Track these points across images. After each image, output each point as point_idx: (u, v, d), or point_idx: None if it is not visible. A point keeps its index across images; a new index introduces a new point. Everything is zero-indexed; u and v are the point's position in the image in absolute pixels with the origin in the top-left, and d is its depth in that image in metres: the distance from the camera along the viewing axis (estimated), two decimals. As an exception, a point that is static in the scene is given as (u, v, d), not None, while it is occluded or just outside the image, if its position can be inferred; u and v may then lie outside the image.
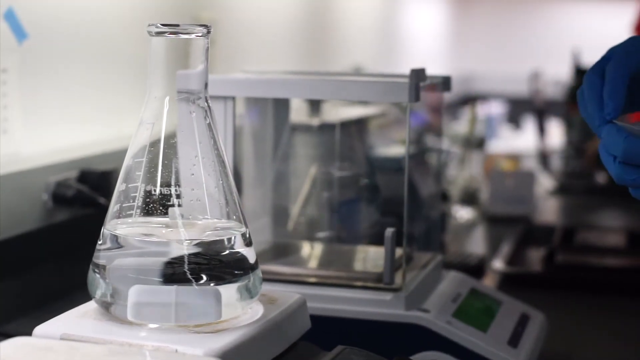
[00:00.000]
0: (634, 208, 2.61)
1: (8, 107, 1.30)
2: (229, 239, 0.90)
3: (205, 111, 0.91)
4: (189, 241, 0.88)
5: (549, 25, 5.04)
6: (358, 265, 1.33)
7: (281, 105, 1.35)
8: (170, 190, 0.89)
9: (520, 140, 3.64)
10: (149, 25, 0.89)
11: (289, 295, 0.99)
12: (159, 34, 0.89)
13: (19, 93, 1.32)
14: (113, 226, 0.90)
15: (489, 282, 1.66)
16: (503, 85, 4.75)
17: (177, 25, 0.89)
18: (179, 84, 0.90)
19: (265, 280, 0.95)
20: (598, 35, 4.62)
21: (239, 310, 0.90)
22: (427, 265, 1.26)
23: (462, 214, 2.27)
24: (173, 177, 0.89)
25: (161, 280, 0.86)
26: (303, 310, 0.99)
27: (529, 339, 1.20)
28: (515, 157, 2.89)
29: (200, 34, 0.89)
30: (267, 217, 1.34)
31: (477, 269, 1.72)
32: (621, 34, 3.96)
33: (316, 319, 1.02)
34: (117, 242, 0.89)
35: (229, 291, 0.88)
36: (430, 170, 1.68)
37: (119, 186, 0.91)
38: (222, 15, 1.94)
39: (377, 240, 1.22)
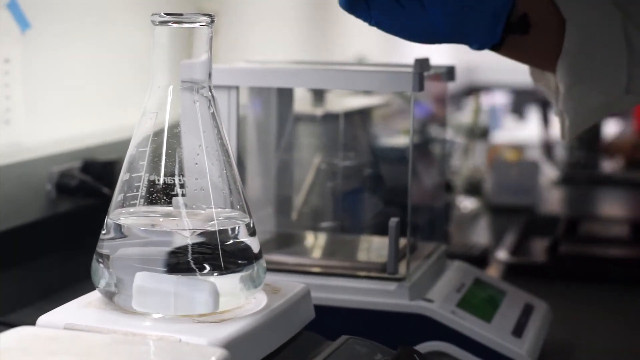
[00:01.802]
0: (637, 198, 2.61)
1: (11, 97, 1.30)
2: (233, 229, 0.90)
3: (209, 101, 0.91)
4: (192, 231, 0.88)
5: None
6: (362, 255, 1.33)
7: (285, 95, 1.35)
8: (174, 179, 0.89)
9: (524, 131, 3.63)
10: (153, 14, 0.89)
11: (293, 285, 0.99)
12: (162, 23, 0.88)
13: (21, 83, 1.32)
14: (117, 216, 0.90)
15: (492, 272, 1.66)
16: (507, 75, 4.72)
17: (181, 15, 0.89)
18: (183, 74, 0.90)
19: (269, 270, 0.95)
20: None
21: (243, 300, 0.90)
22: (431, 255, 1.26)
23: (466, 204, 2.27)
24: (177, 166, 0.89)
25: (165, 269, 0.86)
26: (307, 300, 0.99)
27: (533, 329, 1.20)
28: (519, 148, 2.89)
29: (204, 23, 0.89)
30: (271, 206, 1.34)
31: (481, 259, 1.72)
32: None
33: (320, 309, 1.02)
34: (120, 232, 0.89)
35: (232, 281, 0.88)
36: (434, 160, 1.68)
37: (123, 176, 0.91)
38: (226, 5, 1.94)
39: (381, 230, 1.22)
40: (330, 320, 1.10)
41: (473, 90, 3.98)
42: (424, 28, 1.03)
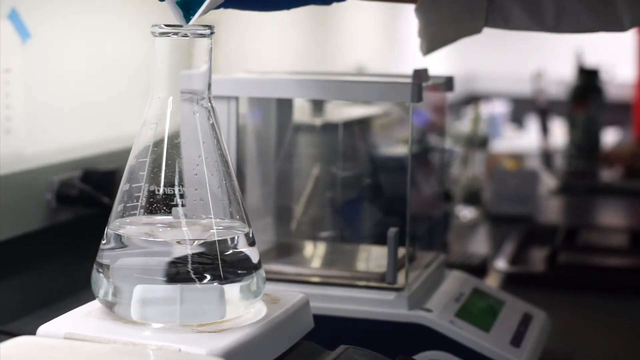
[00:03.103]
0: (636, 208, 2.62)
1: (11, 107, 1.30)
2: (233, 239, 0.90)
3: (209, 111, 0.91)
4: (192, 241, 0.88)
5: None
6: (361, 265, 1.33)
7: (284, 105, 1.35)
8: (173, 190, 0.89)
9: (523, 140, 3.64)
10: (153, 25, 0.89)
11: (292, 294, 1.00)
12: (162, 34, 0.89)
13: (22, 92, 1.32)
14: (117, 226, 0.90)
15: (491, 282, 1.66)
16: (506, 84, 4.74)
17: (181, 26, 0.89)
18: (183, 84, 0.91)
19: (268, 279, 0.95)
20: (601, 35, 4.63)
21: (242, 309, 0.90)
22: (429, 264, 1.27)
23: (465, 213, 2.28)
24: (176, 177, 0.89)
25: (165, 280, 0.86)
26: (306, 309, 0.99)
27: (531, 339, 1.20)
28: (518, 157, 2.89)
29: (204, 35, 0.90)
30: (270, 216, 1.35)
31: (479, 268, 1.72)
32: (623, 34, 3.93)
33: (319, 319, 1.02)
34: (120, 242, 0.89)
35: (232, 291, 0.88)
36: (433, 169, 1.68)
37: (123, 186, 0.91)
38: (226, 14, 1.94)
39: (380, 239, 1.22)
40: (329, 330, 1.10)
41: (472, 99, 3.98)
42: (273, 8, 1.12)
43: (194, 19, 0.93)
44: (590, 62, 3.01)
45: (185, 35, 0.89)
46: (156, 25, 0.89)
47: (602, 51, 3.64)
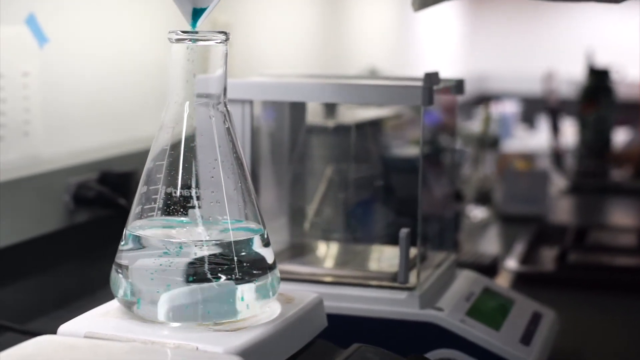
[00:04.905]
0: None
1: (29, 110, 1.32)
2: (248, 240, 0.92)
3: (224, 115, 0.93)
4: (208, 242, 0.90)
5: (563, 24, 5.03)
6: (373, 265, 1.35)
7: (297, 107, 1.37)
8: (190, 192, 0.91)
9: (534, 140, 3.64)
10: (170, 32, 0.91)
11: (306, 294, 1.01)
12: (179, 40, 0.91)
13: (40, 96, 1.34)
14: (135, 227, 0.92)
15: (502, 281, 1.68)
16: (517, 84, 4.75)
17: (197, 32, 0.91)
18: (199, 89, 0.92)
19: (282, 279, 0.97)
20: (612, 35, 4.63)
21: (258, 309, 0.92)
22: (441, 264, 1.28)
23: (476, 213, 2.29)
24: (193, 179, 0.91)
25: (182, 280, 0.88)
26: (320, 309, 1.01)
27: (540, 337, 1.21)
28: (528, 157, 2.90)
29: (219, 41, 0.91)
30: (284, 217, 1.36)
31: (490, 268, 1.73)
32: (635, 34, 3.94)
33: (332, 318, 1.04)
34: (139, 243, 0.91)
35: (247, 290, 0.90)
36: (444, 170, 1.70)
37: (141, 188, 0.93)
38: (239, 18, 1.96)
39: (392, 240, 1.23)
40: (342, 329, 1.12)
41: (483, 99, 3.99)
42: None
43: (203, 17, 0.94)
44: (601, 62, 3.02)
45: (201, 42, 0.91)
46: (173, 32, 0.91)
47: (612, 51, 3.64)
